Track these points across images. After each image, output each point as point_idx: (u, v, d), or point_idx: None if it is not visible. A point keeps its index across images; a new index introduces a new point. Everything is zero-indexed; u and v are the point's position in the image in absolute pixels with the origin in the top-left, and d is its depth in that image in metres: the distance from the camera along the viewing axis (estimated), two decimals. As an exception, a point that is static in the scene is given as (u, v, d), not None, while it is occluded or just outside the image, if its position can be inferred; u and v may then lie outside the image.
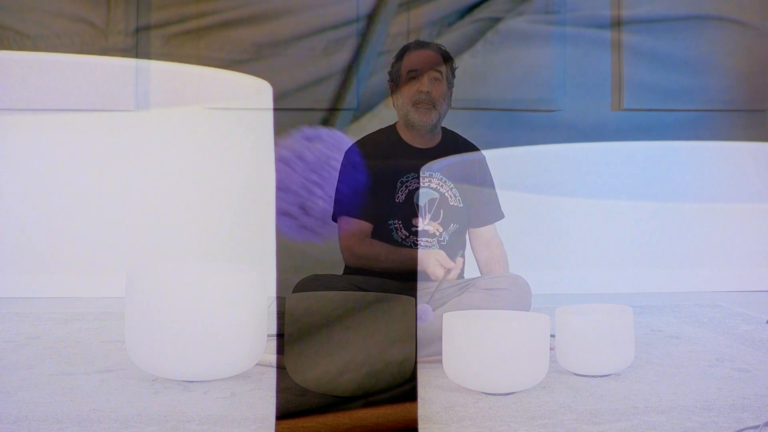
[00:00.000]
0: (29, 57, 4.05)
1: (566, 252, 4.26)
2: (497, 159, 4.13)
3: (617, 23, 4.30)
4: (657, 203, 4.36)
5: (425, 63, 2.82)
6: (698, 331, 3.16)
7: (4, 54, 4.03)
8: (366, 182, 2.82)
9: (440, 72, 2.81)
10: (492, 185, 2.95)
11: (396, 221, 2.79)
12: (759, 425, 1.97)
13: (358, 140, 2.92)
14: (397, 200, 2.80)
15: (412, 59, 2.83)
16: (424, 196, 2.81)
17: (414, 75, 2.81)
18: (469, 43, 4.24)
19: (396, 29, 4.18)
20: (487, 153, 2.98)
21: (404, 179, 2.81)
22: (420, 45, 2.88)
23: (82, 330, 3.18)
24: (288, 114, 4.15)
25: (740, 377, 2.46)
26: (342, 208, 2.83)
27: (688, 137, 4.37)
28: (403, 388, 2.22)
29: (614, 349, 2.42)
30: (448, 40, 4.21)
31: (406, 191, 2.80)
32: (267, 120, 4.13)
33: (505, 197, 3.00)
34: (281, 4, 4.18)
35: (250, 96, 4.18)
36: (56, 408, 2.13)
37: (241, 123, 4.22)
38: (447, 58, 2.86)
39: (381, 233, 2.80)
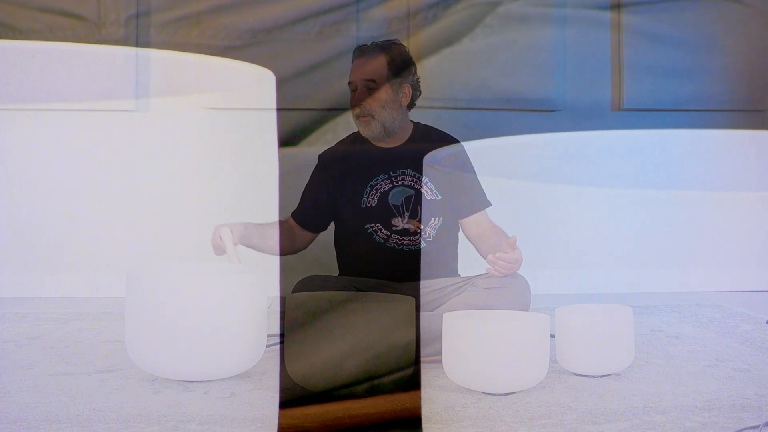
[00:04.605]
0: (30, 46, 4.03)
1: (566, 252, 4.26)
2: (496, 150, 4.14)
3: (617, 5, 4.29)
4: (658, 203, 4.36)
5: (357, 73, 2.79)
6: (698, 331, 3.15)
7: (6, 43, 4.01)
8: (316, 193, 2.88)
9: (374, 80, 2.77)
10: (473, 174, 2.90)
11: (373, 224, 2.79)
12: (759, 425, 1.97)
13: (321, 153, 2.94)
14: (369, 204, 2.79)
15: (351, 70, 2.82)
16: (399, 195, 2.80)
17: (351, 87, 2.81)
18: (468, 27, 4.21)
19: (395, 13, 4.16)
20: (483, 143, 2.97)
21: (373, 182, 2.81)
22: (359, 52, 2.83)
23: (82, 330, 3.18)
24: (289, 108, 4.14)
25: (740, 377, 2.46)
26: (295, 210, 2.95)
27: (690, 124, 4.36)
28: (406, 372, 2.23)
29: (614, 349, 2.42)
30: (446, 24, 4.19)
31: (378, 194, 2.80)
32: (269, 118, 4.12)
33: (505, 197, 2.98)
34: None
35: (252, 85, 4.16)
36: (56, 408, 2.13)
37: (242, 121, 4.21)
38: (392, 59, 2.79)
39: (361, 237, 2.80)
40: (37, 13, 4.04)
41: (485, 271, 2.69)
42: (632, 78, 4.30)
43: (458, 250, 2.95)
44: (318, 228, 2.93)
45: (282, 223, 2.91)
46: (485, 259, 2.76)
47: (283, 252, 2.90)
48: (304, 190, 2.93)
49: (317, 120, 4.21)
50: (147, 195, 4.15)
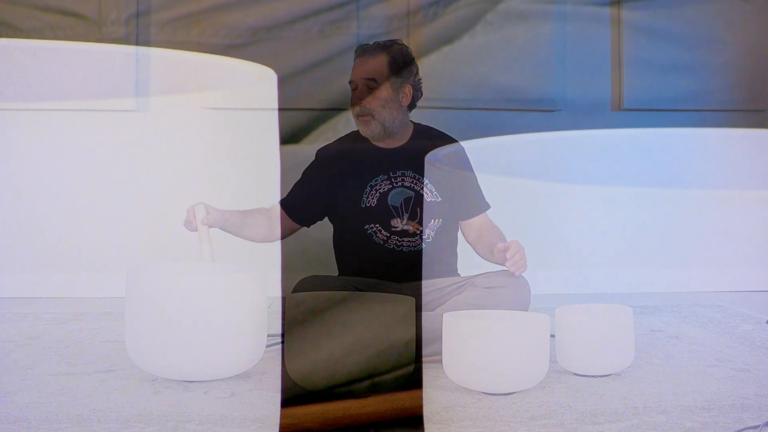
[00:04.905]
0: (30, 45, 4.03)
1: (566, 252, 4.26)
2: (496, 149, 4.14)
3: (617, 1, 4.28)
4: (658, 202, 4.36)
5: (358, 72, 2.79)
6: (698, 331, 3.15)
7: (6, 41, 4.01)
8: (312, 188, 2.86)
9: (374, 79, 2.76)
10: (473, 174, 2.89)
11: (373, 225, 2.78)
12: (759, 425, 1.97)
13: (319, 149, 2.92)
14: (368, 204, 2.78)
15: (352, 69, 2.81)
16: (399, 196, 2.79)
17: (352, 86, 2.80)
18: (468, 24, 4.20)
19: (395, 11, 4.15)
20: (482, 141, 2.96)
21: (373, 182, 2.80)
22: (360, 51, 2.82)
23: (82, 330, 3.18)
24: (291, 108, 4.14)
25: (740, 377, 2.46)
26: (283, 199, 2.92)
27: (690, 123, 4.36)
28: (407, 370, 2.22)
29: (614, 349, 2.42)
30: (446, 21, 4.18)
31: (377, 194, 2.79)
32: (270, 116, 4.12)
33: (505, 195, 2.97)
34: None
35: (253, 83, 4.16)
36: (56, 408, 2.13)
37: (243, 120, 4.21)
38: (393, 58, 2.78)
39: (361, 238, 2.79)
40: (37, 11, 4.04)
41: (492, 271, 2.70)
42: (632, 75, 4.30)
43: (458, 250, 2.95)
44: (306, 221, 2.91)
45: (266, 210, 2.90)
46: (487, 260, 2.77)
47: (262, 239, 2.89)
48: (298, 181, 2.90)
49: (318, 118, 4.21)
50: (147, 195, 4.15)
